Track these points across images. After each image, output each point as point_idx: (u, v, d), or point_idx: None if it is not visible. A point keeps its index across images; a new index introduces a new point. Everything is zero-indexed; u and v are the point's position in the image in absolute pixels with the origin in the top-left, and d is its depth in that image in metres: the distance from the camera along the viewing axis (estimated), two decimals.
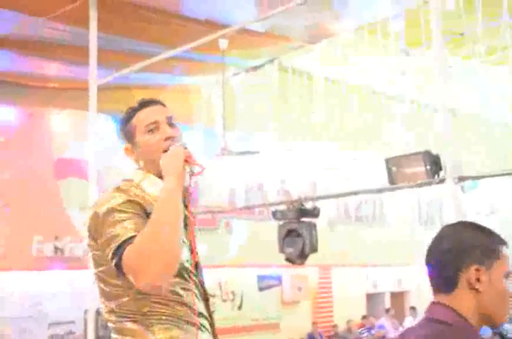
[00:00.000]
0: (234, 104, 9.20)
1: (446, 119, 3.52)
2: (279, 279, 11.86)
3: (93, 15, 6.11)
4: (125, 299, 1.80)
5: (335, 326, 12.07)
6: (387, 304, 14.16)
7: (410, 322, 12.07)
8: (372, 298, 13.88)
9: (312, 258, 5.37)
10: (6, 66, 7.52)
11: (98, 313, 4.97)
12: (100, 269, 1.84)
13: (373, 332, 10.64)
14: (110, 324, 1.88)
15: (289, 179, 12.04)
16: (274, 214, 3.93)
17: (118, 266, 1.70)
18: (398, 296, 14.48)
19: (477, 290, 1.47)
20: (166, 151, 1.90)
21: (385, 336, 9.97)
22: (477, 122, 11.93)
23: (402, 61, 9.48)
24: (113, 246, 1.71)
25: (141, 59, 6.64)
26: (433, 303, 1.54)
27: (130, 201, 1.82)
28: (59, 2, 6.07)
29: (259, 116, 10.23)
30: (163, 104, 2.05)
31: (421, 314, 12.16)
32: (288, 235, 3.89)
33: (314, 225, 3.91)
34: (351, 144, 11.93)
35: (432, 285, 1.56)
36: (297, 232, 3.86)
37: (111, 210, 1.78)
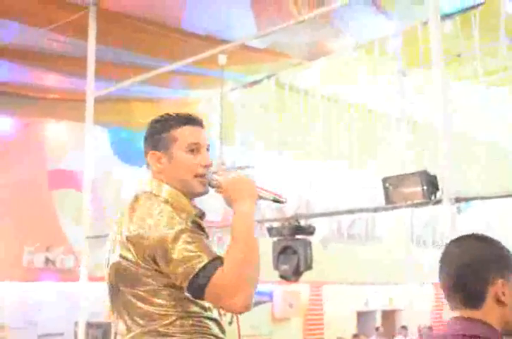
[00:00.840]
0: (232, 118, 9.22)
1: (445, 140, 3.54)
2: (271, 295, 11.81)
3: (92, 26, 6.14)
4: (172, 319, 1.79)
5: None
6: (378, 322, 14.11)
7: None
8: (362, 316, 13.84)
9: (304, 275, 5.36)
10: (5, 76, 7.52)
11: (89, 325, 4.93)
12: (145, 288, 1.81)
13: None
14: None
15: (283, 195, 12.01)
16: (269, 230, 3.93)
17: (201, 287, 1.72)
18: (389, 315, 14.44)
19: (503, 303, 1.48)
20: (197, 176, 1.94)
21: None
22: (473, 143, 11.98)
23: (399, 81, 9.54)
24: (196, 267, 1.71)
25: (140, 72, 6.66)
26: (464, 318, 1.50)
27: (193, 220, 1.83)
28: (60, 13, 6.10)
29: (256, 132, 10.25)
30: (204, 128, 2.06)
31: (412, 333, 12.13)
32: (283, 252, 3.88)
33: (309, 243, 3.91)
34: (347, 163, 11.95)
35: (454, 301, 1.53)
36: (292, 249, 3.85)
37: (182, 231, 1.77)
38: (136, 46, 6.93)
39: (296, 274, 3.86)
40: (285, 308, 11.86)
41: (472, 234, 1.58)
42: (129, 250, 1.81)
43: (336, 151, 11.70)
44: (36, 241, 9.14)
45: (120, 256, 1.84)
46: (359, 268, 12.51)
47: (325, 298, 12.88)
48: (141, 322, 1.81)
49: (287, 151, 11.27)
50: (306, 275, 4.93)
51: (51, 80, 7.89)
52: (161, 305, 1.79)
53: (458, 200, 3.27)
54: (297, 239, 3.87)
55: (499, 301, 1.47)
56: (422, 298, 14.44)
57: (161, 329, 1.79)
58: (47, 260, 9.21)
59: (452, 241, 1.58)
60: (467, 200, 3.30)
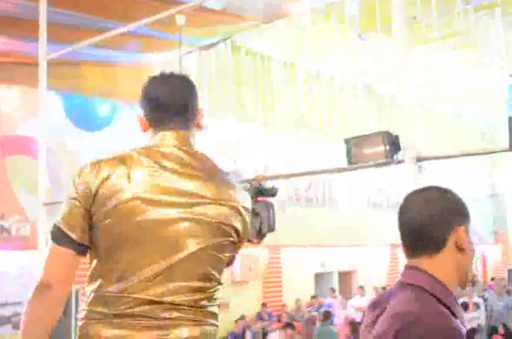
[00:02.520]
0: None
1: (405, 101, 3.56)
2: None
3: None
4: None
5: (284, 306, 12.21)
6: (335, 283, 14.40)
7: (357, 301, 12.29)
8: (320, 277, 14.10)
9: None
10: None
11: None
12: (221, 240, 1.82)
13: (321, 310, 10.79)
14: (204, 304, 1.79)
15: (241, 160, 12.03)
16: None
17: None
18: (346, 276, 14.75)
19: (463, 250, 1.52)
20: None
21: (333, 314, 10.14)
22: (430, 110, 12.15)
23: (357, 45, 9.55)
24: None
25: (94, 35, 6.48)
26: (408, 268, 1.55)
27: None
28: None
29: (213, 96, 10.16)
30: None
31: (369, 293, 12.43)
32: None
33: (272, 205, 3.91)
34: (305, 128, 12.00)
35: (409, 249, 1.56)
36: (254, 211, 3.85)
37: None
38: (89, 7, 6.74)
39: (259, 236, 3.87)
40: (244, 271, 11.97)
41: (433, 186, 1.61)
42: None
43: (294, 116, 11.73)
44: None
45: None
46: (316, 231, 12.70)
47: (283, 261, 13.06)
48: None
49: (244, 116, 11.24)
50: (264, 239, 4.95)
51: (2, 43, 7.63)
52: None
53: (419, 159, 3.31)
54: (260, 201, 3.87)
55: (459, 249, 1.51)
56: (377, 259, 14.78)
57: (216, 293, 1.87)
58: (2, 228, 9.06)
59: (414, 192, 1.61)
60: (428, 159, 3.34)
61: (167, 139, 1.89)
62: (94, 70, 8.59)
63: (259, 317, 11.79)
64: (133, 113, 11.41)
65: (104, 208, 1.75)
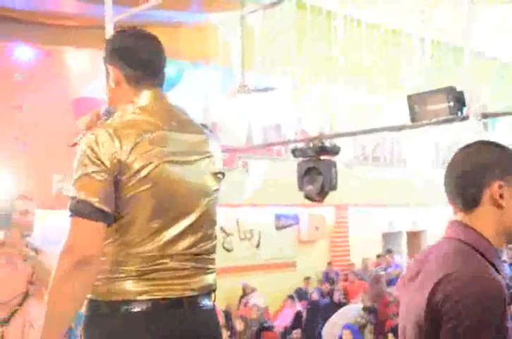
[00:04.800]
0: (252, 42, 9.04)
1: (471, 57, 3.44)
2: (296, 218, 11.97)
3: None
4: None
5: (351, 265, 12.25)
6: (403, 243, 14.30)
7: None
8: (388, 237, 14.02)
9: (328, 198, 5.37)
10: (23, 5, 7.42)
11: None
12: (218, 186, 2.01)
13: (389, 270, 10.76)
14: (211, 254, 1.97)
15: (307, 119, 11.96)
16: (294, 152, 3.90)
17: None
18: (413, 236, 14.61)
19: (500, 206, 1.48)
20: None
21: (401, 275, 10.11)
22: (498, 64, 11.70)
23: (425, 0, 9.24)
24: None
25: None
26: (452, 222, 1.55)
27: None
28: None
29: (277, 55, 10.08)
30: None
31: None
32: (308, 173, 3.88)
33: (334, 163, 3.90)
34: (371, 85, 11.78)
35: (453, 204, 1.56)
36: (317, 169, 3.85)
37: None
38: None
39: (321, 194, 3.88)
40: (310, 231, 12.03)
41: (481, 140, 1.60)
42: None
43: (360, 75, 11.52)
44: (64, 170, 9.27)
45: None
46: (384, 191, 12.58)
47: (350, 221, 13.04)
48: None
49: (309, 74, 11.12)
50: (331, 198, 4.94)
51: (69, 6, 7.77)
52: None
53: (484, 116, 3.22)
54: (322, 160, 3.86)
55: (497, 205, 1.48)
56: (445, 219, 14.55)
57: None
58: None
59: (461, 147, 1.60)
60: (494, 116, 3.24)
61: (159, 97, 1.97)
62: (159, 32, 8.61)
63: (326, 276, 11.89)
64: (198, 73, 11.48)
65: (137, 176, 1.80)
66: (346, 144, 11.01)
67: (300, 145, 3.94)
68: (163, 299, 1.82)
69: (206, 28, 9.02)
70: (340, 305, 9.08)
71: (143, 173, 1.80)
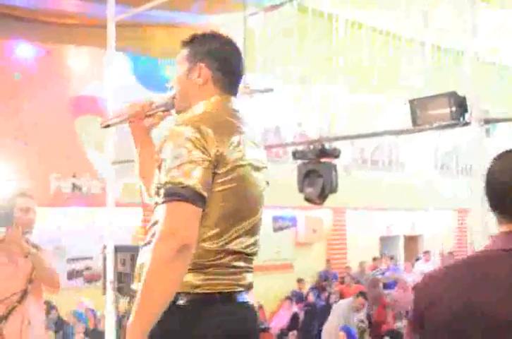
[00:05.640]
0: (253, 44, 9.05)
1: (471, 61, 3.43)
2: (294, 220, 11.98)
3: None
4: None
5: (347, 268, 12.25)
6: (401, 247, 14.31)
7: (422, 265, 12.21)
8: (385, 241, 14.03)
9: (326, 201, 5.36)
10: (24, 3, 7.42)
11: (117, 249, 5.05)
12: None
13: (387, 274, 10.77)
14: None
15: (306, 122, 11.96)
16: (294, 154, 3.91)
17: None
18: (411, 240, 14.62)
19: None
20: None
21: (398, 279, 10.12)
22: (498, 68, 11.71)
23: (425, 4, 9.25)
24: None
25: None
26: (505, 233, 1.47)
27: None
28: None
29: (278, 57, 10.08)
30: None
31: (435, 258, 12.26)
32: (308, 175, 3.89)
33: (335, 166, 3.90)
34: (371, 88, 11.79)
35: (503, 213, 1.48)
36: (317, 172, 3.86)
37: None
38: None
39: (321, 197, 3.89)
40: (308, 233, 12.03)
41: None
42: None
43: (360, 76, 11.53)
44: (62, 168, 9.27)
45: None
46: (382, 194, 12.58)
47: (348, 224, 13.04)
48: None
49: (309, 76, 11.12)
50: (329, 201, 4.95)
51: (71, 5, 7.77)
52: None
53: (486, 121, 3.21)
54: (322, 163, 3.87)
55: None
56: (444, 224, 14.56)
57: None
58: (74, 186, 9.38)
59: (494, 158, 1.55)
60: (496, 121, 3.23)
61: (235, 105, 2.05)
62: (159, 32, 8.65)
63: (323, 276, 11.88)
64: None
65: (228, 174, 1.87)
66: (345, 147, 10.99)
67: (301, 147, 3.95)
68: (217, 293, 1.88)
69: (207, 29, 9.00)
70: None
71: (233, 172, 1.88)
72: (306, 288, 11.33)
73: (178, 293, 1.81)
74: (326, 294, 10.80)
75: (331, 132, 11.03)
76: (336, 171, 3.88)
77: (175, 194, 1.77)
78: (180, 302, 1.84)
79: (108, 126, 2.28)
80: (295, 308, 10.12)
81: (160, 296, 1.73)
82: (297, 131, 11.73)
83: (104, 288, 5.07)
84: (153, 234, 1.83)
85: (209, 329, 1.85)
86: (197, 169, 1.79)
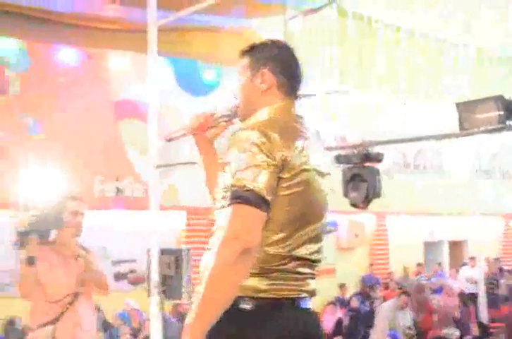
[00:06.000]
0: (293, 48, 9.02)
1: None
2: (335, 225, 11.89)
3: None
4: None
5: (391, 273, 12.10)
6: (445, 253, 14.06)
7: (467, 271, 11.96)
8: (430, 246, 13.81)
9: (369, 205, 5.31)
10: (68, 8, 7.53)
11: (161, 252, 5.08)
12: None
13: (432, 280, 10.61)
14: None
15: (346, 126, 11.88)
16: (338, 158, 3.88)
17: None
18: (456, 246, 14.36)
19: None
20: None
21: (443, 284, 9.94)
22: None
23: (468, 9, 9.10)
24: None
25: (200, 1, 6.52)
26: None
27: None
28: None
29: (318, 61, 10.04)
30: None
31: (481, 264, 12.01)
32: (352, 180, 3.86)
33: (378, 170, 3.86)
34: (413, 92, 11.65)
35: None
36: (361, 176, 3.82)
37: None
38: None
39: (365, 201, 3.86)
40: (350, 238, 11.94)
41: None
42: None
43: (401, 80, 11.40)
44: (105, 171, 9.39)
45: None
46: (424, 199, 12.40)
47: (390, 228, 12.88)
48: None
49: (350, 81, 11.04)
50: (372, 205, 4.90)
51: (113, 10, 7.86)
52: None
53: None
54: (366, 167, 3.83)
55: None
56: (489, 230, 14.27)
57: None
58: (117, 189, 9.48)
59: None
60: None
61: (297, 110, 2.07)
62: (199, 36, 8.69)
63: (367, 281, 11.75)
64: (237, 78, 11.46)
65: (294, 179, 1.87)
66: (387, 151, 10.86)
67: (343, 152, 3.93)
68: (281, 298, 1.87)
69: (247, 33, 9.03)
70: None
71: (299, 176, 1.88)
72: (348, 293, 11.22)
73: (242, 297, 1.82)
74: (370, 299, 10.68)
75: (373, 136, 10.93)
76: (379, 175, 3.84)
77: (240, 197, 1.78)
78: (244, 306, 1.85)
79: (171, 139, 2.32)
80: (339, 314, 10.04)
81: (221, 299, 1.75)
82: (338, 135, 11.66)
83: (149, 290, 5.11)
84: (217, 238, 1.86)
85: (273, 334, 1.85)
86: (262, 173, 1.80)
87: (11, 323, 7.69)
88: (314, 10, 9.18)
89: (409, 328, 7.35)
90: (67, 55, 9.30)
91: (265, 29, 8.90)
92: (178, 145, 2.25)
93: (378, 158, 3.86)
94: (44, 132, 8.98)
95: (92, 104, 9.27)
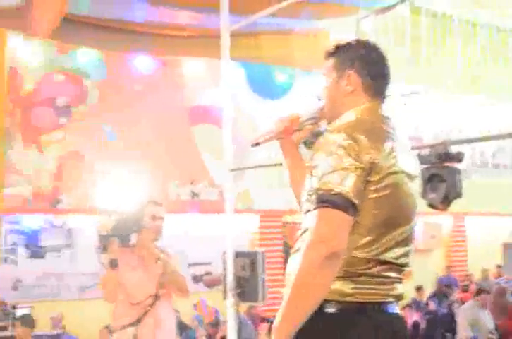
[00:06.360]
0: None
1: None
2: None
3: None
4: None
5: (469, 275, 11.79)
6: None
7: None
8: (509, 248, 13.38)
9: None
10: (143, 17, 7.71)
11: (237, 254, 5.12)
12: None
13: None
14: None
15: (422, 125, 11.66)
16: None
17: None
18: None
19: None
20: None
21: None
22: None
23: None
24: None
25: (271, 4, 6.53)
26: None
27: None
28: None
29: (391, 60, 9.90)
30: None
31: None
32: (430, 180, 3.77)
33: (459, 170, 3.76)
34: (489, 90, 11.33)
35: None
36: (440, 176, 3.73)
37: None
38: None
39: (445, 202, 3.75)
40: (427, 239, 11.72)
41: None
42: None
43: (480, 81, 11.10)
44: (181, 175, 9.56)
45: None
46: (503, 199, 12.02)
47: (468, 229, 12.56)
48: None
49: (424, 79, 10.84)
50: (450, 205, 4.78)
51: (185, 17, 7.99)
52: None
53: None
54: (446, 167, 3.73)
55: None
56: None
57: None
58: (192, 193, 9.63)
59: None
60: None
61: (384, 111, 2.03)
62: (270, 39, 8.71)
63: (444, 282, 11.48)
64: (309, 80, 11.47)
65: (382, 182, 1.84)
66: (465, 150, 10.59)
67: (421, 151, 3.84)
68: (366, 302, 1.85)
69: (318, 35, 8.99)
70: None
71: (387, 179, 1.85)
72: (425, 296, 11.01)
73: (326, 301, 1.80)
74: (448, 301, 10.43)
75: (449, 136, 10.69)
76: (459, 175, 3.75)
77: (327, 201, 1.76)
78: (329, 310, 1.83)
79: (257, 144, 2.32)
80: (415, 317, 9.86)
81: (307, 302, 1.74)
82: (414, 135, 11.47)
83: (225, 293, 5.15)
84: (303, 241, 1.84)
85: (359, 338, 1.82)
86: (349, 176, 1.78)
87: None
88: (386, 9, 9.06)
89: (491, 332, 7.12)
90: (142, 63, 9.53)
91: (336, 30, 8.85)
92: (251, 148, 2.24)
93: (458, 157, 3.76)
94: (121, 139, 9.22)
95: (167, 111, 9.46)
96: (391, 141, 1.91)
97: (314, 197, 1.82)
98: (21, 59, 8.77)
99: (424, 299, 10.79)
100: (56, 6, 6.47)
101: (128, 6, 7.27)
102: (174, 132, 9.49)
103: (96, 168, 8.84)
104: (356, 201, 1.78)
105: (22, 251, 8.63)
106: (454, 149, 3.76)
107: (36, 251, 8.69)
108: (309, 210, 1.88)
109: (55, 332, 7.45)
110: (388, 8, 9.12)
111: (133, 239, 3.90)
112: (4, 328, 7.36)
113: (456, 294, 10.55)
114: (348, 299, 1.83)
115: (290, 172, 2.32)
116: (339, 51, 2.08)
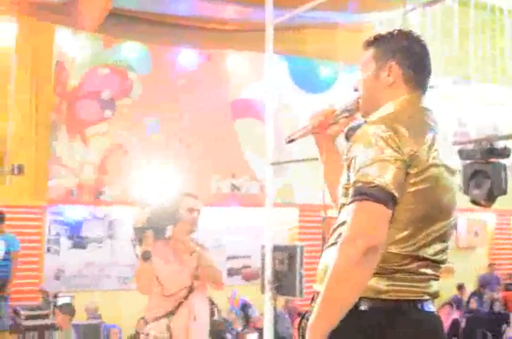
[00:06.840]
0: None
1: None
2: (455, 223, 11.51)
3: None
4: None
5: None
6: None
7: None
8: None
9: None
10: (187, 11, 7.75)
11: (275, 248, 5.11)
12: None
13: None
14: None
15: (468, 120, 11.44)
16: (460, 153, 3.70)
17: None
18: None
19: None
20: None
21: None
22: None
23: None
24: None
25: None
26: None
27: None
28: None
29: (438, 54, 9.73)
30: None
31: None
32: (474, 176, 3.68)
33: (505, 166, 3.67)
34: None
35: None
36: (485, 173, 3.64)
37: None
38: None
39: (489, 199, 3.66)
40: (470, 237, 11.52)
41: None
42: None
43: None
44: (222, 169, 9.59)
45: None
46: None
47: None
48: None
49: (472, 75, 10.62)
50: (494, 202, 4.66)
51: (230, 11, 7.99)
52: None
53: None
54: (491, 163, 3.64)
55: None
56: None
57: None
58: (233, 186, 9.66)
59: None
60: None
61: (425, 103, 1.97)
62: (316, 33, 8.65)
63: (485, 280, 11.28)
64: (353, 75, 11.34)
65: (422, 174, 1.78)
66: (509, 145, 10.34)
67: (467, 147, 3.76)
68: (402, 300, 1.79)
69: (363, 29, 8.89)
70: (501, 316, 8.62)
71: (426, 172, 1.78)
72: (467, 294, 10.83)
73: (361, 298, 1.73)
74: (488, 299, 10.25)
75: (494, 131, 10.47)
76: (505, 171, 3.65)
77: (365, 194, 1.70)
78: (363, 308, 1.76)
79: (292, 140, 2.29)
80: (455, 315, 9.71)
81: (343, 299, 1.68)
82: (458, 130, 11.26)
83: (263, 286, 5.15)
84: (339, 235, 1.79)
85: (396, 337, 1.76)
86: (389, 168, 1.71)
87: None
88: (434, 2, 8.90)
89: None
90: (186, 57, 9.58)
91: (382, 23, 8.73)
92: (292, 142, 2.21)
93: (505, 153, 3.66)
94: (164, 132, 9.29)
95: (210, 104, 9.50)
96: (432, 133, 1.85)
97: (351, 190, 1.75)
98: (68, 54, 8.92)
99: (466, 298, 10.62)
100: (102, 0, 6.55)
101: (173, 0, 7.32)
102: (216, 126, 9.53)
103: (138, 161, 8.93)
104: (396, 194, 1.71)
105: (64, 242, 8.78)
106: (500, 144, 3.67)
107: (78, 242, 8.84)
108: (344, 204, 1.84)
109: (94, 321, 7.56)
110: (436, 0, 8.98)
111: (169, 231, 3.91)
112: (46, 316, 7.51)
113: (496, 293, 10.35)
114: (383, 296, 1.76)
115: (325, 167, 2.27)
116: (380, 41, 2.00)
